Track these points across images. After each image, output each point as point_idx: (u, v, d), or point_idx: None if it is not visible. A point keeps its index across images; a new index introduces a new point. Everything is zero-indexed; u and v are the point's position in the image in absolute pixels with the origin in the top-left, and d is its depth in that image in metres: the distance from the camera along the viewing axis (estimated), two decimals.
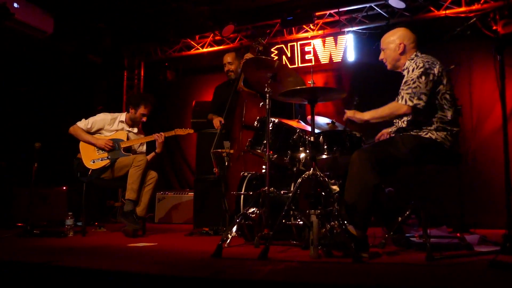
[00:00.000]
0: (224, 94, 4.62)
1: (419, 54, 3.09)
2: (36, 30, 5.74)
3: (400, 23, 5.67)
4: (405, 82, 2.95)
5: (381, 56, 3.24)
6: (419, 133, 2.92)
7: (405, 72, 3.06)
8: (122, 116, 4.67)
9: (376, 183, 2.73)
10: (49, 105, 6.33)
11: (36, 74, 6.22)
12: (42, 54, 6.28)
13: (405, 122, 3.08)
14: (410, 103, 2.86)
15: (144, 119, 4.64)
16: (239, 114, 4.36)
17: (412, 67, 2.96)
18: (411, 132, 2.96)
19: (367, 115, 3.05)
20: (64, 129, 4.58)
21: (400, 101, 2.91)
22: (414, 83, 2.88)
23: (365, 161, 2.78)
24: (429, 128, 2.91)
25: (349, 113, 3.10)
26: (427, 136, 2.90)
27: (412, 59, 3.05)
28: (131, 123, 4.66)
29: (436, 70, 2.92)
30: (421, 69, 2.90)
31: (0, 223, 5.05)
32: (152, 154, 4.60)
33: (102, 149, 4.42)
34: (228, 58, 4.86)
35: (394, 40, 3.14)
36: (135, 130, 4.70)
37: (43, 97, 6.30)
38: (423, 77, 2.87)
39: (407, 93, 2.89)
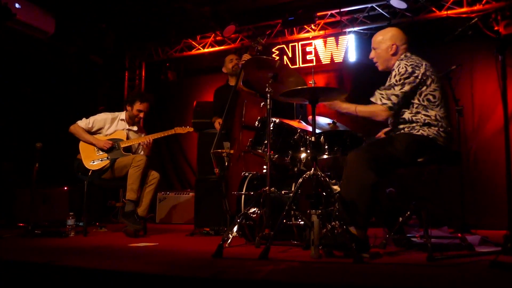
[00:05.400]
0: (225, 96, 4.63)
1: (408, 54, 3.13)
2: (37, 30, 5.75)
3: (401, 23, 5.68)
4: (385, 83, 3.03)
5: (372, 55, 3.27)
6: (411, 131, 2.95)
7: (393, 73, 3.09)
8: (122, 114, 4.68)
9: (374, 182, 2.73)
10: (51, 105, 6.34)
11: (37, 74, 6.22)
12: (44, 55, 6.28)
13: (396, 122, 3.12)
14: (379, 102, 2.97)
15: (141, 115, 4.64)
16: (239, 114, 4.36)
17: (397, 69, 3.01)
18: (403, 131, 2.98)
19: (345, 106, 3.11)
20: (66, 129, 4.59)
21: (372, 99, 3.02)
22: (389, 86, 2.98)
23: (361, 160, 2.78)
24: (419, 124, 2.94)
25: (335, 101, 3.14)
26: (419, 133, 2.93)
27: (402, 60, 3.08)
28: (131, 121, 4.68)
29: (419, 72, 2.95)
30: (402, 74, 2.96)
31: (1, 223, 5.06)
32: None
33: (102, 149, 4.43)
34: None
35: (385, 40, 3.16)
36: (135, 128, 4.71)
37: (45, 97, 6.30)
38: (401, 80, 2.95)
39: (379, 93, 3.00)
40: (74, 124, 4.56)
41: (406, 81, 2.93)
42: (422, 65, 2.98)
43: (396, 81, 2.96)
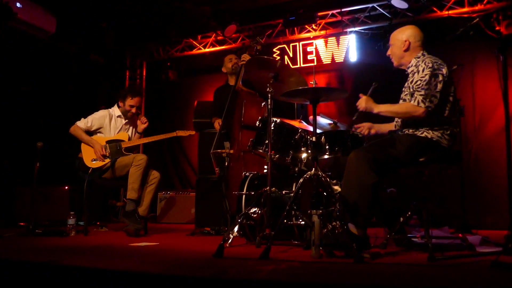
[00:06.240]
0: (224, 96, 4.63)
1: (425, 53, 3.08)
2: (38, 29, 5.74)
3: (402, 23, 5.67)
4: (416, 82, 2.94)
5: (388, 52, 3.25)
6: (415, 133, 2.94)
7: (410, 70, 3.07)
8: (117, 111, 4.70)
9: (374, 182, 2.73)
10: (51, 104, 6.34)
11: (38, 73, 6.22)
12: (45, 54, 6.28)
13: (400, 122, 3.10)
14: (422, 105, 2.87)
15: (133, 110, 4.67)
16: (238, 114, 4.36)
17: (421, 67, 2.95)
18: (407, 132, 2.97)
19: (381, 108, 3.04)
20: (66, 128, 4.59)
21: (413, 102, 2.91)
22: (426, 84, 2.88)
23: (362, 160, 2.78)
24: (425, 127, 2.92)
25: (363, 100, 3.06)
26: (422, 135, 2.92)
27: (419, 57, 3.05)
28: (125, 117, 4.72)
29: (444, 71, 2.94)
30: (430, 69, 2.90)
31: (2, 223, 5.07)
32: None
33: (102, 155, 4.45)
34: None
35: (401, 37, 3.15)
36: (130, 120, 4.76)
37: (45, 96, 6.30)
38: (433, 79, 2.89)
39: (421, 95, 2.89)
40: (73, 125, 4.56)
41: (437, 80, 2.89)
42: (444, 64, 2.98)
43: (430, 77, 2.88)
